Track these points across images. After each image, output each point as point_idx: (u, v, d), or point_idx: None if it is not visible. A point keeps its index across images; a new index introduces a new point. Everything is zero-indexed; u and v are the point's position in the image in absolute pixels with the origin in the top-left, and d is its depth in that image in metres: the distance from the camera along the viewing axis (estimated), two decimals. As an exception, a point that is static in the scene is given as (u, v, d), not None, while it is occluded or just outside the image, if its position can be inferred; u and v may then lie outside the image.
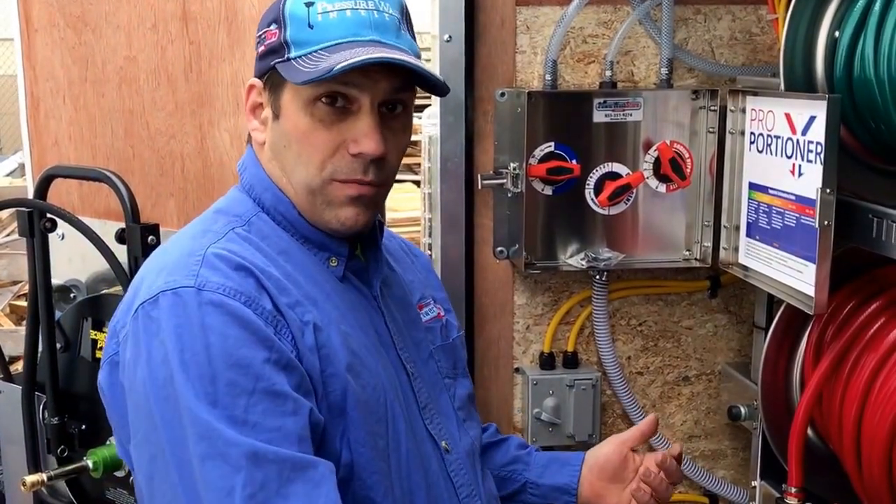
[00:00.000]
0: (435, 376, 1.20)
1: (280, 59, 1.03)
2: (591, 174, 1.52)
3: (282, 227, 1.08)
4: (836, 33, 1.32)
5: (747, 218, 1.44)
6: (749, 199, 1.43)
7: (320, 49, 1.01)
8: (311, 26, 1.01)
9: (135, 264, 1.72)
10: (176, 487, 0.91)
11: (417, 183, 7.58)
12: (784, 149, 1.32)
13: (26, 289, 5.01)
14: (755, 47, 1.59)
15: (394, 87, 1.03)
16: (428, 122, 1.57)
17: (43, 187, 1.87)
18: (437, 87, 1.07)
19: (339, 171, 1.04)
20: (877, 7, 1.21)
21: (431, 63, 1.56)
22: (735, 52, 1.59)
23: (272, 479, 0.89)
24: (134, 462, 0.98)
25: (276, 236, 1.07)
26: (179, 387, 0.90)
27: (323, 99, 1.01)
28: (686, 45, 1.57)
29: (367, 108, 1.02)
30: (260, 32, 1.07)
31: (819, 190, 1.20)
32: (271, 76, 1.05)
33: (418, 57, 1.06)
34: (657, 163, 1.52)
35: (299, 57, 1.01)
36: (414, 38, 1.10)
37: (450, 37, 1.49)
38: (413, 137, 1.16)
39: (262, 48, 1.06)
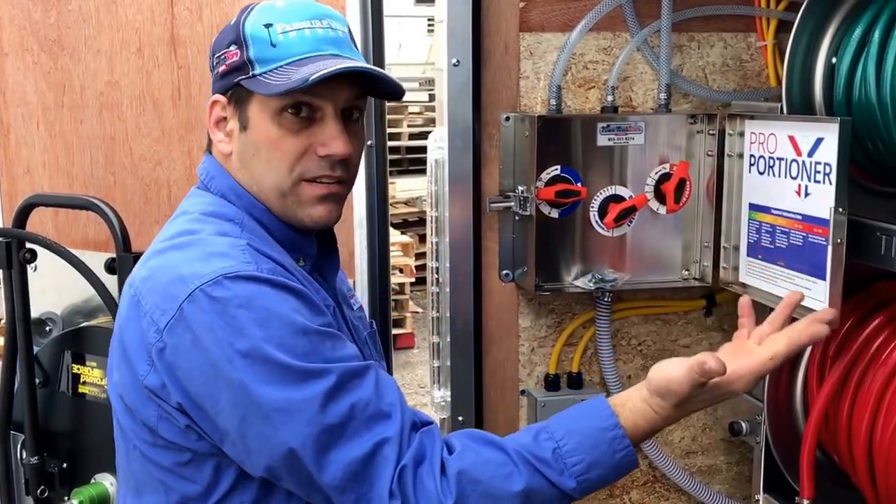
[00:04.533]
0: (371, 361, 1.29)
1: (245, 76, 1.10)
2: (596, 197, 1.55)
3: (261, 228, 1.15)
4: (834, 59, 1.38)
5: (748, 238, 1.48)
6: (750, 219, 1.47)
7: (285, 64, 1.09)
8: (273, 45, 1.10)
9: (127, 294, 1.67)
10: (275, 431, 0.98)
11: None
12: (788, 170, 1.37)
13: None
14: (745, 73, 1.65)
15: (354, 95, 1.14)
16: (434, 145, 1.58)
17: (22, 217, 1.81)
18: (395, 92, 1.17)
19: (308, 172, 1.12)
20: (876, 35, 1.28)
21: (438, 89, 1.58)
22: (727, 77, 1.64)
23: (371, 387, 1.02)
24: (220, 426, 1.01)
25: (262, 236, 1.14)
26: (268, 351, 0.98)
27: (290, 109, 1.10)
28: (681, 72, 1.62)
29: (332, 115, 1.12)
30: (219, 53, 1.15)
31: (832, 209, 1.24)
32: (235, 92, 1.13)
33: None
34: (661, 179, 1.55)
35: (265, 72, 1.09)
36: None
37: (457, 61, 1.50)
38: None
39: (223, 67, 1.14)
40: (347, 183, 1.17)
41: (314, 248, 1.19)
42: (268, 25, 1.10)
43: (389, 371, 1.70)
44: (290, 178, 1.12)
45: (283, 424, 0.97)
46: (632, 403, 1.07)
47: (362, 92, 1.15)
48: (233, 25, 1.14)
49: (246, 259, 1.03)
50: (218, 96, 1.15)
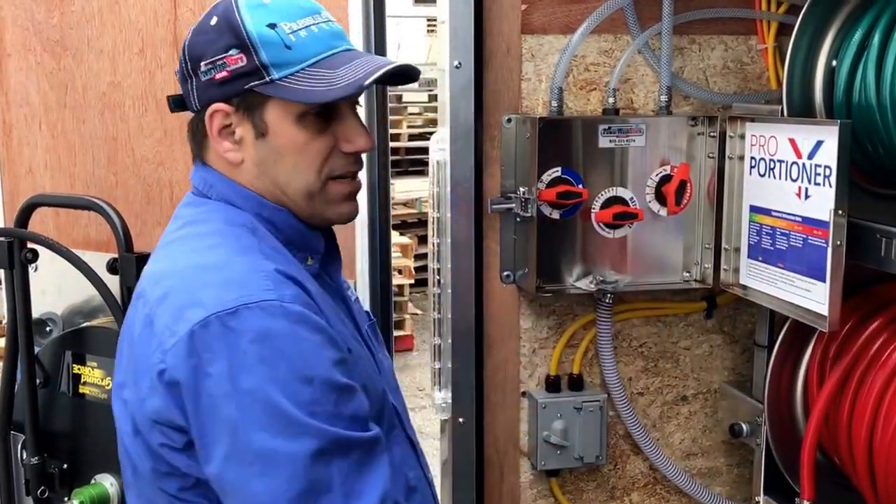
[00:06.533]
0: (378, 356, 1.27)
1: (260, 82, 1.07)
2: (597, 198, 1.55)
3: (271, 230, 1.13)
4: (834, 62, 1.38)
5: (749, 240, 1.48)
6: (750, 221, 1.48)
7: (307, 66, 1.07)
8: (288, 47, 1.07)
9: (128, 295, 1.68)
10: (251, 479, 0.95)
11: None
12: (788, 172, 1.37)
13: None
14: (745, 76, 1.65)
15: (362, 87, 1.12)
16: (436, 146, 1.58)
17: (25, 216, 1.81)
18: (411, 75, 1.16)
19: (335, 170, 1.12)
20: (876, 38, 1.28)
21: (440, 90, 1.59)
22: (727, 80, 1.65)
23: (355, 460, 0.99)
24: (206, 457, 0.99)
25: (273, 240, 1.12)
26: (270, 394, 0.95)
27: (313, 111, 1.09)
28: (682, 74, 1.62)
29: (349, 110, 1.12)
30: (212, 58, 1.08)
31: (832, 212, 1.25)
32: (244, 98, 1.09)
33: None
34: (662, 181, 1.56)
35: (287, 77, 1.06)
36: None
37: (459, 63, 1.51)
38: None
39: (222, 73, 1.08)
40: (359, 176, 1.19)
41: (322, 243, 1.18)
42: (272, 25, 1.07)
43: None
44: (320, 180, 1.11)
45: (264, 474, 0.95)
46: None
47: None
48: (222, 26, 1.08)
49: (267, 286, 1.00)
50: (220, 105, 1.09)
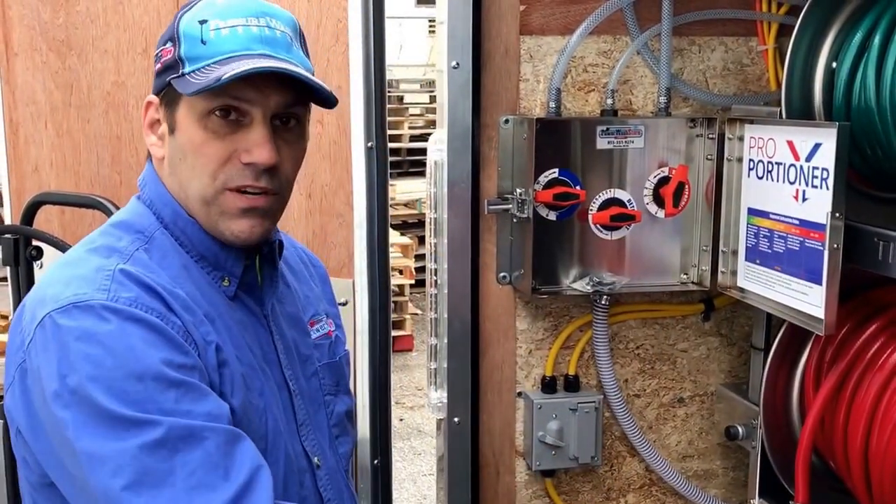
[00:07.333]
0: (316, 393, 1.24)
1: (175, 75, 1.05)
2: (594, 200, 1.55)
3: (179, 244, 1.10)
4: (834, 64, 1.38)
5: (746, 242, 1.48)
6: (748, 223, 1.48)
7: (212, 63, 1.04)
8: (203, 42, 1.05)
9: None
10: (86, 480, 0.92)
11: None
12: (786, 175, 1.37)
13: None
14: (746, 77, 1.65)
15: (286, 101, 1.07)
16: (433, 147, 1.59)
17: (30, 214, 1.83)
18: (326, 99, 1.10)
19: (231, 180, 1.06)
20: (877, 40, 1.28)
21: (438, 91, 1.59)
22: (727, 82, 1.64)
23: (211, 452, 0.93)
24: (43, 462, 1.00)
25: (175, 253, 1.09)
26: (93, 392, 0.92)
27: (216, 112, 1.04)
28: (681, 75, 1.62)
29: (259, 120, 1.06)
30: (157, 50, 1.10)
31: (829, 214, 1.24)
32: (167, 92, 1.08)
33: (311, 73, 1.10)
34: (660, 183, 1.55)
35: (192, 71, 1.04)
36: (307, 55, 1.13)
37: (457, 63, 1.51)
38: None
39: (158, 65, 1.09)
40: (277, 195, 1.09)
41: (239, 266, 1.12)
42: (202, 22, 1.05)
43: (387, 375, 1.70)
44: (214, 186, 1.06)
45: (92, 473, 0.91)
46: None
47: (299, 97, 1.09)
48: (172, 21, 1.09)
49: (102, 287, 0.97)
50: (152, 97, 1.10)
